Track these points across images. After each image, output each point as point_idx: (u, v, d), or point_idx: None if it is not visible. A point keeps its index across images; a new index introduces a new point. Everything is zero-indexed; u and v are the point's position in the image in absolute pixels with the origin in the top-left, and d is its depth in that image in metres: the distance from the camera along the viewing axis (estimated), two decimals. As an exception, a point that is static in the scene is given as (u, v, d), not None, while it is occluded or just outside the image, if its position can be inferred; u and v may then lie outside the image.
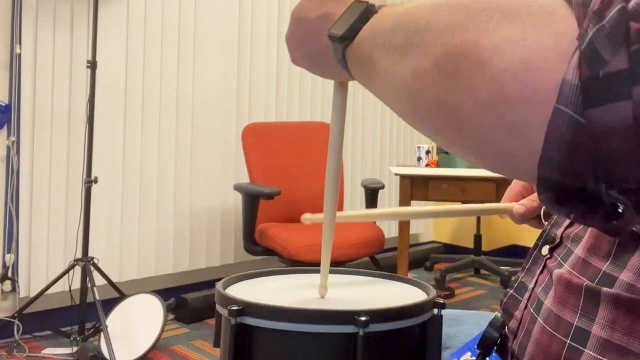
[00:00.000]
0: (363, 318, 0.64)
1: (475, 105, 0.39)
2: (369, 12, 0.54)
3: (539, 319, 0.70)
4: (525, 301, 0.76)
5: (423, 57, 0.43)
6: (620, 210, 0.37)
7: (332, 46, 0.56)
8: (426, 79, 0.43)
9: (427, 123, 0.46)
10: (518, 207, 0.90)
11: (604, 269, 0.63)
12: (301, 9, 0.62)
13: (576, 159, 0.36)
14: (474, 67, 0.39)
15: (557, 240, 0.77)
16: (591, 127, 0.34)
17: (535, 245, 0.81)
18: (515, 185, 0.93)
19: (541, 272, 0.76)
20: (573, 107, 0.35)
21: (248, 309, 0.67)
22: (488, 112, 0.39)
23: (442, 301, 0.71)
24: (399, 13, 0.49)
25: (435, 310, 0.71)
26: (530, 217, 0.91)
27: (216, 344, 0.75)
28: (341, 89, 0.70)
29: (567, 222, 0.76)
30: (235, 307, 0.67)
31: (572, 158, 0.36)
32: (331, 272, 0.78)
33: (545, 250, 0.78)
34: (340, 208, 3.44)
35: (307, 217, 0.87)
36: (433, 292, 0.75)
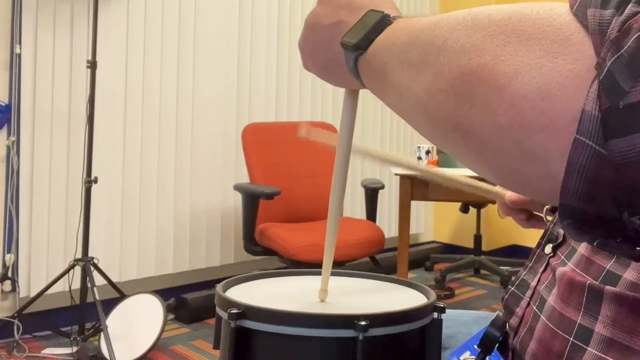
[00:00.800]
0: (363, 322, 0.64)
1: (493, 130, 0.39)
2: (384, 22, 0.53)
3: (542, 316, 0.70)
4: (528, 299, 0.76)
5: (439, 76, 0.43)
6: None
7: (345, 54, 0.55)
8: (442, 99, 0.43)
9: (445, 142, 0.46)
10: (511, 193, 0.91)
11: (608, 267, 0.63)
12: (315, 15, 0.61)
13: (598, 189, 0.36)
14: (491, 92, 0.39)
15: (560, 239, 0.77)
16: (612, 158, 0.34)
17: (539, 243, 0.81)
18: None
19: (544, 270, 0.76)
20: (594, 138, 0.35)
21: (248, 312, 0.67)
22: (506, 138, 0.39)
23: (442, 305, 0.71)
24: (415, 28, 0.48)
25: (435, 314, 0.71)
26: (521, 207, 0.92)
27: (216, 346, 0.75)
28: (352, 96, 0.69)
29: None
30: (235, 310, 0.67)
31: (594, 188, 0.36)
32: (331, 274, 0.78)
33: (548, 248, 0.78)
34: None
35: (304, 128, 0.86)
36: (433, 295, 0.75)
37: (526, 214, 0.95)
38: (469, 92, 0.40)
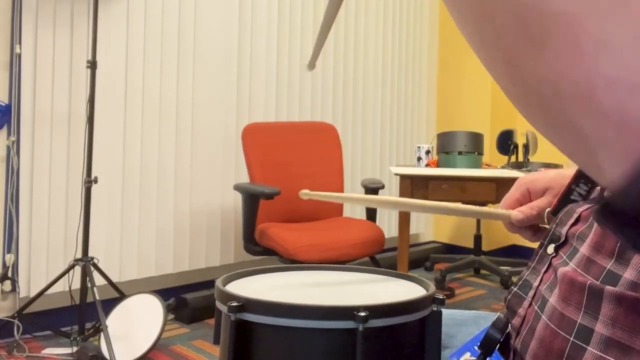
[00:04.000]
0: (362, 314, 0.64)
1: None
2: None
3: (543, 316, 0.70)
4: (530, 299, 0.76)
5: None
6: None
7: None
8: None
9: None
10: (516, 213, 0.88)
11: (608, 267, 0.63)
12: None
13: None
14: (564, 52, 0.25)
15: (563, 239, 0.76)
16: None
17: (541, 244, 0.81)
18: (514, 193, 0.92)
19: (546, 270, 0.76)
20: None
21: (248, 305, 0.67)
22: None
23: (441, 297, 0.71)
24: None
25: (435, 306, 0.71)
26: (527, 225, 0.90)
27: (216, 341, 0.75)
28: None
29: (572, 220, 0.75)
30: (235, 304, 0.67)
31: None
32: (331, 269, 0.78)
33: (550, 249, 0.77)
34: (340, 207, 3.44)
35: (305, 192, 0.87)
36: (432, 288, 0.75)
37: (533, 230, 0.93)
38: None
